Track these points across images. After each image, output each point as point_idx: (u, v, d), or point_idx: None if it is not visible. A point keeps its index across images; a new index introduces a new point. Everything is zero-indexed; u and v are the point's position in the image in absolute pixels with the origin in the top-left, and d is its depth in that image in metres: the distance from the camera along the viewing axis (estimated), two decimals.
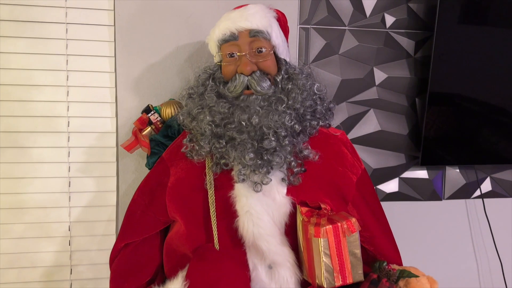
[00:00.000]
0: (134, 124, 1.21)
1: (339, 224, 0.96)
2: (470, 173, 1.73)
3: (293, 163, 1.06)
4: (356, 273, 0.99)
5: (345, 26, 1.58)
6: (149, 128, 1.22)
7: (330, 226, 0.96)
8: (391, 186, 1.69)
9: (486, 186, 1.74)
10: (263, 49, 1.07)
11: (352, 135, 1.62)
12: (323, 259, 0.96)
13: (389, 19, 1.60)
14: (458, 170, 1.72)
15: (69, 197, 1.47)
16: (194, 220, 1.07)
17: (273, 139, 1.02)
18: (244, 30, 1.06)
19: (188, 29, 1.47)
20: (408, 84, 1.64)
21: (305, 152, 1.08)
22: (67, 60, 1.43)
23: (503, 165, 1.73)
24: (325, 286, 0.96)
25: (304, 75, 1.10)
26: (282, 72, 1.10)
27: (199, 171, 1.10)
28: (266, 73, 1.08)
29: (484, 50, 1.56)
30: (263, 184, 1.03)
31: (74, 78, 1.44)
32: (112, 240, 1.50)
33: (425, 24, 1.62)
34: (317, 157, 1.09)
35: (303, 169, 1.07)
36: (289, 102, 1.06)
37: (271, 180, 1.03)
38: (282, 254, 1.02)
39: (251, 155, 1.02)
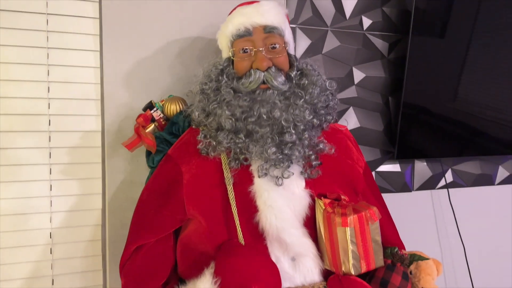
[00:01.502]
0: (137, 121, 1.15)
1: (363, 213, 1.01)
2: (436, 166, 1.88)
3: (312, 156, 1.08)
4: (378, 259, 1.04)
5: (328, 27, 1.64)
6: (153, 125, 1.16)
7: (356, 215, 1.00)
8: None
9: (448, 177, 1.91)
10: (277, 45, 1.08)
11: None
12: (351, 247, 1.00)
13: (366, 22, 1.69)
14: (425, 163, 1.86)
15: (51, 201, 1.36)
16: (215, 217, 1.05)
17: (293, 132, 1.04)
18: (258, 26, 1.07)
19: (179, 24, 1.43)
20: (383, 83, 1.75)
21: (321, 146, 1.11)
22: (48, 54, 1.32)
23: (462, 157, 1.90)
24: (353, 273, 1.01)
25: (316, 71, 1.13)
26: (295, 68, 1.12)
27: (214, 167, 1.08)
28: (280, 69, 1.09)
29: (450, 56, 1.71)
30: (284, 178, 1.05)
31: (56, 73, 1.34)
32: (98, 246, 1.42)
33: (397, 27, 1.74)
34: (333, 150, 1.12)
35: (318, 162, 1.10)
36: (306, 97, 1.08)
37: (292, 173, 1.05)
38: (305, 245, 1.04)
39: (273, 149, 1.03)
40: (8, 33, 1.27)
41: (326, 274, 1.06)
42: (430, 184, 1.88)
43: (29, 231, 1.34)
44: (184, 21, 1.43)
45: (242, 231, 1.03)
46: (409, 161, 1.84)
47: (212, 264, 0.98)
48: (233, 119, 1.04)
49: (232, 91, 1.07)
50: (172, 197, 1.10)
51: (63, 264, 1.38)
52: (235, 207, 1.04)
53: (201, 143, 1.08)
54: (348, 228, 0.99)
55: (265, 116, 1.03)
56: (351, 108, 1.70)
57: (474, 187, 1.95)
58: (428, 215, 1.90)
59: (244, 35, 1.07)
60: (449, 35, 1.67)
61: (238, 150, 1.05)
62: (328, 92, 1.14)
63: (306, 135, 1.07)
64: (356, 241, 1.00)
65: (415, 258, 1.12)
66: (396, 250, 1.14)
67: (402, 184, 1.83)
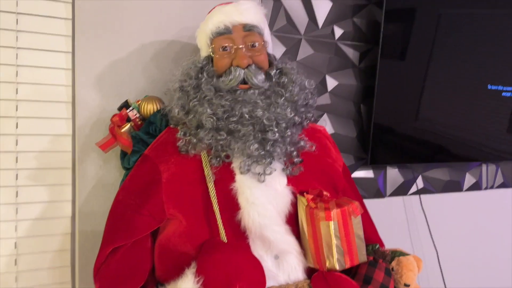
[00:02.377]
0: (112, 120, 1.11)
1: (346, 207, 1.01)
2: (407, 172, 1.92)
3: (294, 153, 1.08)
4: (361, 255, 1.04)
5: (301, 35, 1.67)
6: (128, 125, 1.12)
7: (339, 209, 1.00)
8: None
9: (419, 183, 1.95)
10: (257, 44, 1.09)
11: None
12: (335, 241, 0.99)
13: (338, 31, 1.74)
14: (397, 169, 1.90)
15: (16, 209, 1.28)
16: (196, 215, 1.03)
17: (276, 130, 1.04)
18: (238, 24, 1.08)
19: (154, 27, 1.41)
20: (355, 91, 1.79)
21: (302, 143, 1.11)
22: (17, 54, 1.27)
23: (432, 163, 1.96)
24: (338, 268, 1.00)
25: (295, 70, 1.14)
26: (275, 67, 1.12)
27: (194, 166, 1.06)
28: (260, 67, 1.09)
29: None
30: (266, 174, 1.04)
31: (25, 74, 1.28)
32: (67, 256, 1.34)
33: (367, 37, 1.79)
34: (314, 147, 1.12)
35: (299, 159, 1.10)
36: (287, 95, 1.08)
37: (275, 170, 1.04)
38: (289, 242, 1.03)
39: (256, 145, 1.02)
40: None
41: (310, 272, 1.05)
42: (402, 190, 1.91)
43: None
44: (159, 23, 1.42)
45: (224, 229, 1.01)
46: (381, 167, 1.87)
47: (194, 264, 0.95)
48: (214, 118, 1.03)
49: (213, 89, 1.06)
50: (151, 197, 1.06)
51: (28, 276, 1.30)
52: (216, 205, 1.02)
53: (180, 141, 1.06)
54: (332, 222, 0.99)
55: (247, 116, 1.03)
56: (325, 114, 1.73)
57: (444, 193, 2.01)
58: (401, 220, 1.92)
59: (224, 32, 1.07)
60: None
61: (219, 147, 1.04)
62: (307, 91, 1.15)
63: (289, 133, 1.07)
64: (340, 235, 1.00)
65: (396, 254, 1.13)
66: (377, 247, 1.15)
67: (375, 190, 1.85)
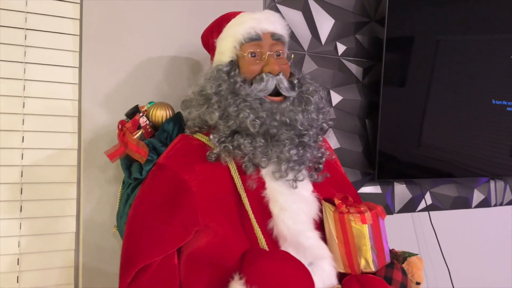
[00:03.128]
0: (126, 126, 1.08)
1: (374, 210, 1.03)
2: (415, 188, 1.89)
3: (322, 159, 1.10)
4: (388, 256, 1.06)
5: (305, 51, 1.69)
6: (140, 132, 1.10)
7: (372, 211, 1.03)
8: None
9: (427, 200, 1.92)
10: (281, 53, 1.11)
11: None
12: (369, 243, 1.00)
13: (341, 48, 1.76)
14: (404, 185, 1.87)
15: (20, 224, 1.26)
16: (232, 225, 1.00)
17: (311, 133, 1.06)
18: (267, 32, 1.09)
19: (161, 42, 1.43)
20: (359, 106, 1.79)
21: (323, 150, 1.12)
22: (24, 69, 1.28)
23: (440, 179, 1.93)
24: (374, 269, 1.01)
25: (312, 80, 1.16)
26: (295, 77, 1.14)
27: (221, 174, 1.04)
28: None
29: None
30: (298, 180, 1.04)
31: (32, 88, 1.29)
32: (70, 273, 1.30)
33: (370, 53, 1.81)
34: (334, 156, 1.18)
35: (321, 166, 1.12)
36: (314, 102, 1.10)
37: (305, 176, 1.05)
38: (323, 248, 1.03)
39: (295, 150, 1.02)
40: None
41: (340, 278, 1.04)
42: (410, 206, 1.88)
43: None
44: (163, 39, 1.44)
45: (264, 237, 0.99)
46: (389, 183, 1.84)
47: (237, 276, 0.90)
48: (259, 122, 1.00)
49: (252, 95, 1.05)
50: (182, 207, 0.99)
51: None
52: (252, 214, 1.00)
53: (215, 148, 1.03)
54: (367, 225, 1.00)
55: (288, 120, 1.03)
56: (330, 130, 1.71)
57: (453, 210, 1.97)
58: (410, 237, 1.88)
59: (256, 39, 1.08)
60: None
61: (257, 153, 1.01)
62: (324, 100, 1.16)
63: (320, 138, 1.11)
64: (373, 236, 1.02)
65: (406, 255, 1.14)
66: (391, 249, 1.14)
67: (383, 206, 1.82)
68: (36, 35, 1.30)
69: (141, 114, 1.10)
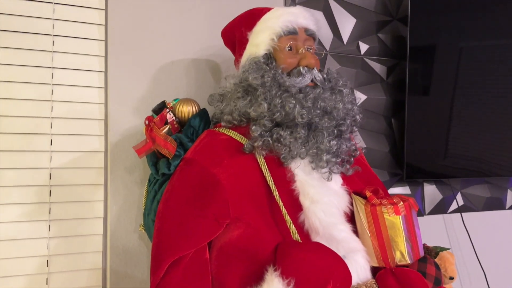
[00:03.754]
0: (154, 122, 1.08)
1: (407, 202, 1.01)
2: (446, 189, 1.83)
3: (357, 152, 1.10)
4: (421, 249, 1.03)
5: (327, 51, 1.68)
6: (168, 127, 1.10)
7: (405, 203, 1.01)
8: None
9: (459, 201, 1.86)
10: (311, 49, 1.12)
11: None
12: (403, 235, 0.98)
13: (363, 47, 1.74)
14: (434, 186, 1.82)
15: (49, 226, 1.27)
16: (263, 217, 0.98)
17: (347, 123, 1.06)
18: (302, 27, 1.10)
19: (182, 45, 1.45)
20: (384, 105, 1.76)
21: (353, 143, 1.12)
22: (52, 74, 1.31)
23: (472, 179, 1.87)
24: (409, 261, 0.99)
25: (338, 75, 1.15)
26: (324, 72, 1.13)
27: (250, 167, 1.02)
28: None
29: (451, 73, 1.75)
30: (334, 173, 1.03)
31: (60, 92, 1.32)
32: (98, 275, 1.30)
33: (393, 52, 1.79)
34: (363, 150, 1.18)
35: (352, 159, 1.10)
36: (347, 94, 1.09)
37: (339, 169, 1.04)
38: (356, 241, 1.01)
39: (334, 141, 1.02)
40: (13, 53, 1.27)
41: (373, 272, 1.01)
42: (441, 208, 1.82)
43: (23, 259, 1.24)
44: (185, 42, 1.45)
45: (297, 230, 0.97)
46: (418, 184, 1.79)
47: (271, 268, 0.88)
48: (306, 112, 1.00)
49: (295, 86, 1.04)
50: (213, 200, 0.99)
51: None
52: (283, 207, 0.98)
53: (255, 141, 1.02)
54: (401, 216, 0.98)
55: (329, 108, 1.02)
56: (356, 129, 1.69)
57: (486, 211, 1.90)
58: (442, 240, 1.81)
59: (293, 32, 1.09)
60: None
61: (297, 145, 1.00)
62: (353, 93, 1.15)
63: (356, 129, 1.11)
64: (407, 228, 0.99)
65: (438, 249, 1.12)
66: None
67: None
68: (63, 41, 1.33)
69: (167, 110, 1.11)
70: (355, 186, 1.09)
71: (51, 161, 1.29)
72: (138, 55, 1.39)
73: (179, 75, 1.44)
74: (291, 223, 0.97)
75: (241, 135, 1.06)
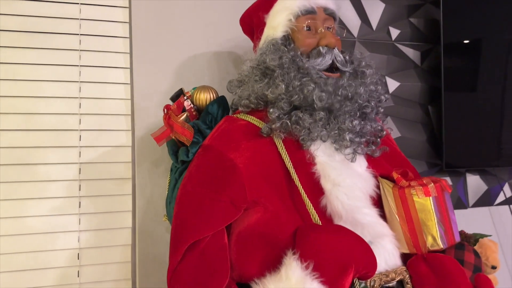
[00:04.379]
0: (171, 108, 1.08)
1: (438, 183, 0.94)
2: (491, 179, 1.71)
3: (383, 132, 1.05)
4: (456, 233, 0.95)
5: (355, 38, 1.62)
6: (185, 114, 1.09)
7: (436, 184, 0.94)
8: None
9: (507, 191, 1.73)
10: (332, 29, 1.09)
11: None
12: (435, 218, 0.92)
13: (394, 32, 1.67)
14: (478, 176, 1.70)
15: (79, 219, 1.30)
16: (282, 201, 0.95)
17: (372, 104, 1.02)
18: (321, 7, 1.07)
19: (205, 38, 1.45)
20: (420, 92, 1.68)
21: (380, 123, 1.07)
22: (80, 72, 1.35)
23: None
24: (442, 246, 0.92)
25: (359, 56, 1.11)
26: (346, 54, 1.09)
27: (268, 150, 0.99)
28: None
29: (490, 56, 1.64)
30: (358, 153, 0.99)
31: (87, 89, 1.35)
32: (128, 268, 1.31)
33: (427, 37, 1.70)
34: (390, 131, 1.13)
35: (379, 140, 1.05)
36: (370, 75, 1.05)
37: (365, 151, 1.01)
38: (383, 225, 0.95)
39: (357, 121, 0.98)
40: (42, 53, 1.31)
41: (404, 259, 0.96)
42: (486, 200, 1.70)
43: (56, 252, 1.27)
44: (210, 35, 1.45)
45: (317, 213, 0.93)
46: (460, 174, 1.68)
47: (290, 252, 0.85)
48: (326, 95, 0.96)
49: (313, 69, 1.01)
50: (229, 183, 0.96)
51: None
52: (302, 189, 0.94)
53: (273, 123, 0.99)
54: (431, 197, 0.92)
55: (350, 95, 0.98)
56: (388, 117, 1.62)
57: None
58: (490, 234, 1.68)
59: (311, 11, 1.06)
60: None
61: (318, 127, 0.97)
62: (377, 73, 1.10)
63: (381, 109, 1.06)
64: (439, 210, 0.93)
65: (478, 236, 1.05)
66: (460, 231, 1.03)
67: (455, 200, 1.66)
68: (90, 40, 1.37)
69: (185, 98, 1.10)
70: (382, 169, 1.04)
71: (80, 156, 1.32)
72: (161, 50, 1.41)
73: (201, 68, 1.43)
74: (311, 206, 0.92)
75: (259, 120, 1.03)
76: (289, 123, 0.97)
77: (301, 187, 0.94)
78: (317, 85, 0.97)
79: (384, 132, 1.07)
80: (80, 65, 1.35)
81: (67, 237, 1.28)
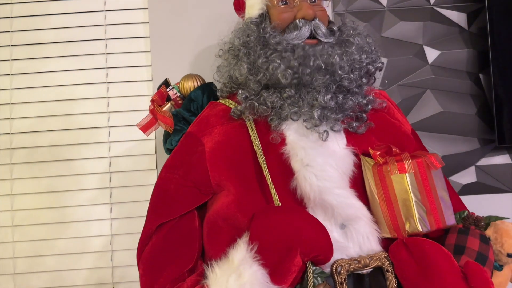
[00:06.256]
0: (152, 99, 1.12)
1: (422, 158, 0.83)
2: None
3: (368, 106, 0.96)
4: (448, 216, 0.84)
5: (384, 7, 1.48)
6: (169, 104, 1.11)
7: (414, 160, 0.83)
8: (467, 176, 1.44)
9: None
10: (316, 0, 1.02)
11: (409, 120, 1.38)
12: (413, 198, 0.82)
13: None
14: None
15: (111, 208, 1.42)
16: (246, 183, 0.93)
17: (352, 77, 0.93)
18: None
19: (219, 30, 1.44)
20: (467, 59, 1.47)
21: (371, 97, 0.98)
22: (107, 73, 1.47)
23: None
24: (421, 229, 0.81)
25: (355, 24, 1.03)
26: (335, 24, 1.03)
27: (240, 133, 0.97)
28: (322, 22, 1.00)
29: None
30: (335, 131, 0.92)
31: (114, 89, 1.46)
32: None
33: None
34: (384, 104, 1.00)
35: (366, 115, 0.97)
36: (356, 43, 0.97)
37: (342, 127, 0.93)
38: (355, 207, 0.87)
39: (329, 96, 0.91)
40: (74, 60, 1.46)
41: (387, 244, 0.87)
42: None
43: (91, 238, 1.40)
44: (221, 26, 1.43)
45: (278, 195, 0.89)
46: None
47: (246, 233, 0.84)
48: (290, 72, 0.92)
49: (283, 43, 0.96)
50: (194, 167, 0.98)
51: (123, 272, 1.39)
52: (267, 171, 0.91)
53: (240, 106, 0.97)
54: (407, 174, 0.82)
55: (323, 65, 0.92)
56: (428, 91, 1.45)
57: None
58: None
59: None
60: None
61: (286, 106, 0.93)
62: (371, 41, 1.01)
63: (364, 81, 0.97)
64: (419, 189, 0.82)
65: (492, 219, 0.90)
66: (465, 213, 0.93)
67: None
68: (114, 43, 1.47)
69: (171, 87, 1.13)
70: (368, 146, 0.93)
71: (109, 151, 1.44)
72: (180, 48, 1.45)
73: (218, 60, 1.44)
74: (273, 188, 0.88)
75: (235, 103, 1.01)
76: (256, 104, 0.94)
77: (266, 168, 0.90)
78: (283, 60, 0.92)
79: (369, 107, 0.96)
80: (107, 67, 1.47)
81: (100, 225, 1.41)
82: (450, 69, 1.46)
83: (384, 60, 1.46)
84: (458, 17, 1.48)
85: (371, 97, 0.99)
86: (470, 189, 1.43)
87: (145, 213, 1.39)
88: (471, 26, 1.47)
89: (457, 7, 1.48)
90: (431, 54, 1.47)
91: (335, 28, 1.01)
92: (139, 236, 1.38)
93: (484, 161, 1.44)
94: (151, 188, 1.39)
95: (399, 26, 1.47)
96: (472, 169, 1.44)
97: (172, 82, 1.26)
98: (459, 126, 1.44)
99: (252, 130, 0.95)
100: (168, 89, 1.14)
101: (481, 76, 1.46)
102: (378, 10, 1.48)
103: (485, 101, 1.45)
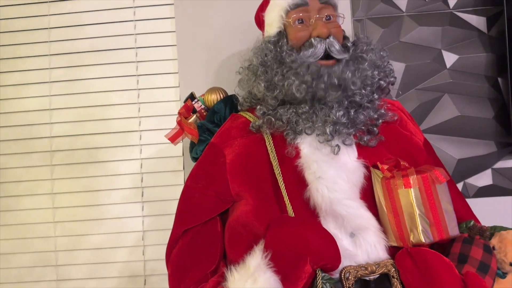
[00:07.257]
0: (179, 112, 1.22)
1: (427, 173, 0.89)
2: None
3: (379, 121, 1.02)
4: (452, 227, 0.89)
5: (403, 12, 1.51)
6: (194, 116, 1.21)
7: (419, 175, 0.90)
8: (483, 179, 1.47)
9: None
10: (331, 17, 1.07)
11: (426, 124, 1.48)
12: (417, 211, 0.88)
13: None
14: None
15: (142, 206, 1.53)
16: (263, 194, 1.01)
17: (364, 92, 1.00)
18: None
19: (244, 38, 1.51)
20: (486, 63, 1.49)
21: (383, 111, 1.04)
22: (137, 80, 1.57)
23: None
24: (424, 241, 0.88)
25: (369, 39, 1.09)
26: (349, 40, 1.09)
27: (258, 146, 1.05)
28: (337, 40, 1.06)
29: None
30: (346, 145, 0.98)
31: (144, 95, 1.56)
32: None
33: None
34: (396, 117, 1.05)
35: (377, 129, 1.02)
36: (369, 59, 1.03)
37: (354, 141, 1.00)
38: (364, 217, 0.94)
39: (342, 112, 0.98)
40: (107, 68, 1.57)
41: (394, 252, 0.93)
42: None
43: (125, 234, 1.52)
44: (247, 34, 1.50)
45: (292, 206, 0.97)
46: None
47: (262, 241, 0.93)
48: (305, 86, 0.99)
49: (298, 60, 1.02)
50: (215, 178, 1.07)
51: (154, 265, 1.51)
52: (282, 182, 0.99)
53: (258, 121, 1.05)
54: (412, 189, 0.89)
55: (336, 81, 0.98)
56: (445, 95, 1.48)
57: None
58: None
59: (302, 4, 1.06)
60: None
61: (301, 121, 1.00)
62: (385, 57, 1.07)
63: (376, 96, 1.03)
64: (423, 203, 0.88)
65: (497, 229, 0.94)
66: (472, 223, 0.98)
67: None
68: (144, 51, 1.57)
69: (196, 100, 1.22)
70: (379, 159, 0.99)
71: (141, 153, 1.55)
72: (203, 54, 1.53)
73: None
74: (287, 198, 0.96)
75: (254, 116, 1.09)
76: (273, 119, 1.01)
77: (281, 180, 0.98)
78: (298, 76, 0.98)
79: (380, 121, 1.02)
80: (138, 75, 1.57)
81: (133, 222, 1.53)
82: (468, 73, 1.48)
83: (402, 65, 1.50)
84: (477, 21, 1.49)
85: (382, 111, 1.04)
86: (486, 191, 1.46)
87: (174, 211, 1.51)
88: (490, 30, 1.49)
89: (476, 11, 1.50)
90: (450, 58, 1.49)
91: (349, 44, 1.07)
92: (168, 232, 1.49)
93: (501, 164, 1.46)
94: (179, 188, 1.50)
95: (418, 31, 1.50)
96: (488, 171, 1.47)
97: (197, 92, 1.35)
98: (476, 130, 1.47)
99: (269, 144, 1.03)
100: (193, 102, 1.23)
101: (499, 80, 1.48)
102: (397, 16, 1.51)
103: (503, 104, 1.47)
